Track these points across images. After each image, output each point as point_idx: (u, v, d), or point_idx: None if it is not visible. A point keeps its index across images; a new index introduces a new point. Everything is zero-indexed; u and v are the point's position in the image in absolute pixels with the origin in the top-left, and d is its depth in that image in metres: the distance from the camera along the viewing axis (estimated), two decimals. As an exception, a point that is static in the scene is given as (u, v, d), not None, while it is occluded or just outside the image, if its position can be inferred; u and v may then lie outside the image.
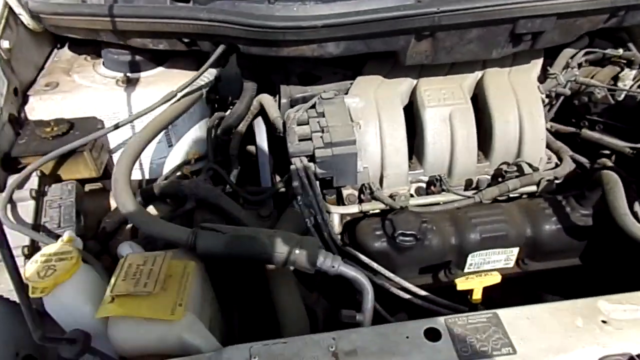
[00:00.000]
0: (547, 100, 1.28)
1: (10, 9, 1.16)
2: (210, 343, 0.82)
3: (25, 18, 1.18)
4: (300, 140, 1.05)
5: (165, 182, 1.19)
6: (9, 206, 0.95)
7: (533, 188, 1.14)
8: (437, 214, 1.09)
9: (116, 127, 1.06)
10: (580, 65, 1.32)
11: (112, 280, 0.81)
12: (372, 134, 1.13)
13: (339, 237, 1.08)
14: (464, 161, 1.16)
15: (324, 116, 1.09)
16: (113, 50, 1.22)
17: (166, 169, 1.30)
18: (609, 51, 1.28)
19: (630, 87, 1.23)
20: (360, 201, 1.14)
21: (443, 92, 1.18)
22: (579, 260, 1.12)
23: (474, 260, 1.08)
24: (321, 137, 1.04)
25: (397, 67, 1.21)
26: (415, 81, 1.22)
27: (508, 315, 0.78)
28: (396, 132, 1.14)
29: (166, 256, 0.86)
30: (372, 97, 1.16)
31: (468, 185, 1.19)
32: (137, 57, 1.23)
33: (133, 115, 1.07)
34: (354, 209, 1.11)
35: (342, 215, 1.16)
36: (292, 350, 0.75)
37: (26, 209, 0.98)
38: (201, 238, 0.88)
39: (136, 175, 1.30)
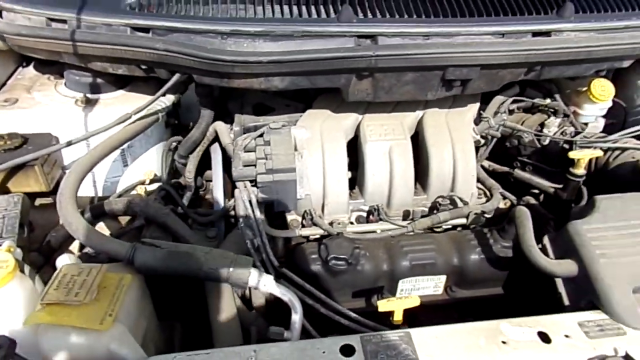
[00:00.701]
0: (482, 141, 1.39)
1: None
2: (137, 354, 0.85)
3: (-10, 37, 1.23)
4: (244, 165, 1.12)
5: (116, 199, 1.23)
6: (-47, 215, 0.98)
7: (463, 220, 1.23)
8: (371, 241, 1.16)
9: (69, 144, 1.10)
10: (511, 112, 1.45)
11: (45, 289, 0.85)
12: (315, 164, 1.21)
13: (277, 259, 1.13)
14: (401, 193, 1.24)
15: (269, 144, 1.16)
16: (74, 71, 1.28)
17: (120, 188, 1.35)
18: (536, 100, 1.41)
19: (554, 134, 1.36)
20: (302, 226, 1.20)
21: (385, 128, 1.27)
22: (502, 289, 1.20)
23: (404, 286, 1.14)
24: (264, 163, 1.11)
25: (345, 103, 1.29)
26: (360, 117, 1.31)
27: (419, 334, 0.84)
28: (337, 163, 1.21)
29: (101, 268, 0.89)
30: (317, 129, 1.25)
31: (405, 215, 1.27)
32: (98, 80, 1.29)
33: (86, 133, 1.12)
34: (293, 233, 1.17)
35: (286, 239, 1.22)
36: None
37: (-32, 218, 1.00)
38: (139, 252, 0.93)
39: (90, 192, 1.34)
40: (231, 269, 0.94)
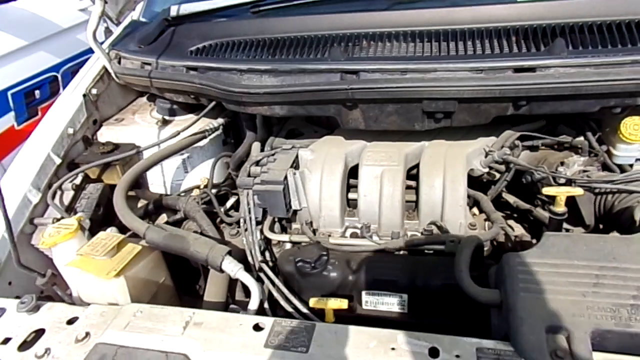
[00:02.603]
0: (495, 174, 1.39)
1: (106, 69, 1.73)
2: (126, 301, 1.16)
3: (114, 76, 1.75)
4: (247, 176, 1.38)
5: (170, 196, 1.61)
6: (58, 192, 1.46)
7: (442, 247, 1.26)
8: (345, 253, 1.28)
9: (137, 152, 1.52)
10: (534, 147, 1.41)
11: (83, 245, 1.22)
12: (314, 182, 1.39)
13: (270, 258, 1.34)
14: (388, 214, 1.34)
15: (274, 161, 1.40)
16: (160, 99, 1.72)
17: (181, 189, 1.73)
18: (560, 138, 1.35)
19: (573, 174, 1.29)
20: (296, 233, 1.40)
21: (382, 154, 1.39)
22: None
23: (368, 298, 1.24)
24: (261, 175, 1.35)
25: (360, 132, 1.46)
26: (367, 144, 1.45)
27: (322, 327, 0.97)
28: (332, 182, 1.38)
29: (121, 238, 1.24)
30: (323, 152, 1.43)
31: (394, 237, 1.36)
32: (174, 106, 1.70)
33: (147, 145, 1.52)
34: (284, 237, 1.37)
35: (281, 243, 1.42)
36: (163, 313, 1.05)
37: (68, 196, 1.47)
38: (149, 231, 1.25)
39: (161, 190, 1.75)
40: (210, 254, 1.20)
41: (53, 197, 1.42)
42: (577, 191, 1.10)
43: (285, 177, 1.32)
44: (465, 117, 1.24)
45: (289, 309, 1.20)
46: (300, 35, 1.40)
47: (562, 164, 1.34)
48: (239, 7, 1.59)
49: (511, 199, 1.47)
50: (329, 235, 1.36)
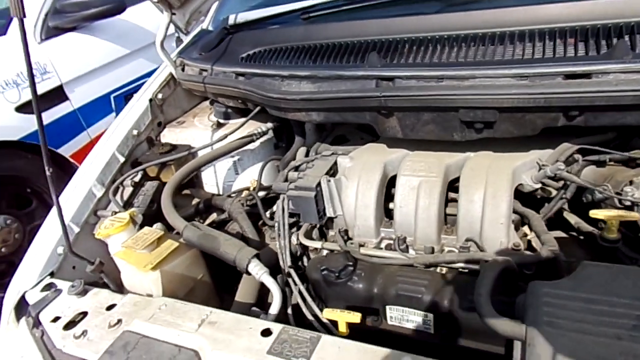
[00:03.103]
0: (551, 190, 1.26)
1: (173, 76, 1.86)
2: (159, 293, 1.23)
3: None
4: (284, 180, 1.39)
5: (218, 197, 1.68)
6: (120, 188, 1.60)
7: (476, 267, 1.17)
8: (374, 265, 1.25)
9: (189, 153, 1.61)
10: (601, 163, 1.25)
11: (128, 240, 1.32)
12: (351, 189, 1.37)
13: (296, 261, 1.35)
14: (423, 228, 1.28)
15: (312, 167, 1.40)
16: (217, 104, 1.81)
17: (232, 190, 1.80)
18: (623, 154, 1.19)
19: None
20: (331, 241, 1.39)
21: (421, 164, 1.32)
22: (501, 347, 1.09)
23: (392, 313, 1.19)
24: (296, 181, 1.35)
25: (402, 141, 1.41)
26: (408, 153, 1.40)
27: (327, 340, 0.95)
28: (368, 191, 1.34)
29: (161, 234, 1.32)
30: (361, 160, 1.41)
31: (427, 251, 1.29)
32: (229, 110, 1.78)
33: (199, 146, 1.61)
34: (317, 244, 1.37)
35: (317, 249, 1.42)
36: (184, 309, 1.10)
37: (128, 192, 1.60)
38: (186, 230, 1.32)
39: (214, 190, 1.83)
40: (238, 255, 1.23)
41: (115, 192, 1.56)
42: (632, 215, 0.95)
43: (319, 184, 1.32)
44: (509, 127, 1.14)
45: (310, 317, 1.19)
46: (343, 41, 1.39)
47: (630, 182, 1.17)
48: (290, 14, 1.62)
49: (573, 219, 1.32)
50: (361, 245, 1.33)
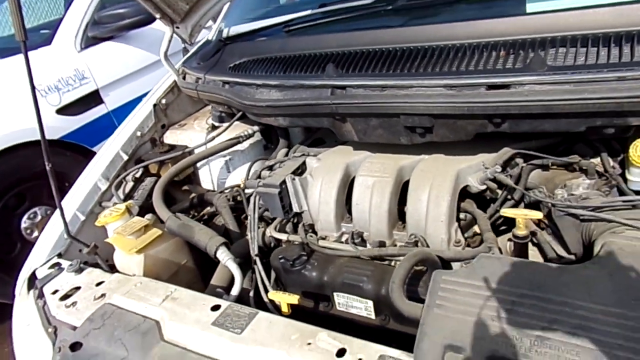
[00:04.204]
0: (496, 191, 1.35)
1: (176, 83, 2.07)
2: (140, 274, 1.42)
3: (182, 88, 2.08)
4: (255, 178, 1.55)
5: (210, 192, 1.87)
6: (124, 183, 1.81)
7: (416, 260, 1.28)
8: (328, 256, 1.38)
9: (184, 152, 1.81)
10: (545, 167, 1.33)
11: (119, 227, 1.52)
12: (315, 188, 1.50)
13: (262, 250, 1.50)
14: (376, 223, 1.40)
15: (281, 167, 1.55)
16: (213, 108, 1.99)
17: (225, 186, 1.98)
18: (560, 159, 1.26)
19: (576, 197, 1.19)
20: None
21: (377, 166, 1.44)
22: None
23: (340, 300, 1.31)
24: (264, 179, 1.51)
25: (368, 144, 1.53)
26: (370, 155, 1.52)
27: (261, 316, 1.10)
28: (330, 189, 1.48)
29: (148, 223, 1.52)
30: (327, 161, 1.54)
31: (381, 245, 1.40)
32: (223, 114, 1.95)
33: (193, 146, 1.79)
34: (283, 236, 1.51)
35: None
36: (155, 287, 1.28)
37: (129, 186, 1.82)
38: (169, 220, 1.50)
39: (210, 186, 2.02)
40: (208, 243, 1.40)
41: (117, 186, 1.78)
42: (534, 214, 1.03)
43: (283, 182, 1.47)
44: (446, 132, 1.24)
45: (266, 299, 1.34)
46: (308, 52, 1.53)
47: (564, 186, 1.24)
48: (276, 27, 1.78)
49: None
50: (322, 238, 1.47)
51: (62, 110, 3.56)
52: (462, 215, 1.40)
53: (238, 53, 1.79)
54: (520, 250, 1.11)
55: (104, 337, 1.16)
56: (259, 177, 1.57)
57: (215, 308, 1.15)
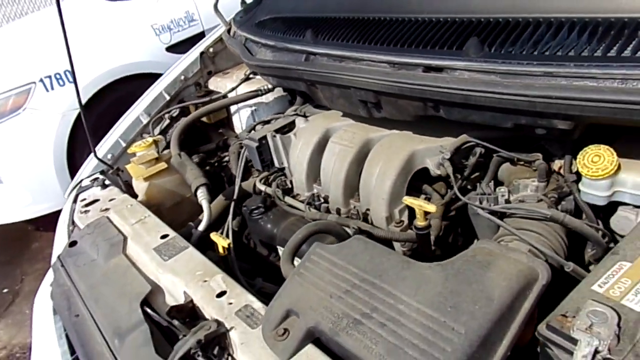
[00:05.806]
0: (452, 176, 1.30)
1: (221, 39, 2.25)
2: (147, 198, 1.70)
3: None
4: (248, 132, 1.68)
5: (232, 138, 2.06)
6: (162, 120, 2.09)
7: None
8: (287, 213, 1.48)
9: (211, 99, 2.01)
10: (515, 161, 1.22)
11: (136, 157, 1.81)
12: (296, 147, 1.59)
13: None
14: (334, 190, 1.44)
15: (272, 124, 1.66)
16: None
17: (249, 135, 2.15)
18: (510, 154, 1.15)
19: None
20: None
21: (349, 134, 1.46)
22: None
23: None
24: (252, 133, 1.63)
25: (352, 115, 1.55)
26: (351, 123, 1.53)
27: (188, 251, 1.27)
28: (305, 150, 1.54)
29: (156, 156, 1.77)
30: (313, 123, 1.60)
31: (337, 212, 1.45)
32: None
33: (220, 94, 1.99)
34: (263, 188, 1.64)
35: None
36: (139, 210, 1.53)
37: (165, 123, 2.09)
38: (173, 157, 1.73)
39: (239, 131, 2.21)
40: (192, 182, 1.60)
41: (155, 123, 2.07)
42: (428, 207, 1.00)
43: (264, 137, 1.58)
44: (392, 110, 1.21)
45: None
46: (306, 16, 1.55)
47: (512, 184, 1.14)
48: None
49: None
50: (294, 197, 1.57)
51: (171, 48, 4.04)
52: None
53: (267, 9, 1.88)
54: (422, 240, 1.09)
55: (90, 241, 1.45)
56: (253, 129, 1.70)
57: (164, 237, 1.36)
